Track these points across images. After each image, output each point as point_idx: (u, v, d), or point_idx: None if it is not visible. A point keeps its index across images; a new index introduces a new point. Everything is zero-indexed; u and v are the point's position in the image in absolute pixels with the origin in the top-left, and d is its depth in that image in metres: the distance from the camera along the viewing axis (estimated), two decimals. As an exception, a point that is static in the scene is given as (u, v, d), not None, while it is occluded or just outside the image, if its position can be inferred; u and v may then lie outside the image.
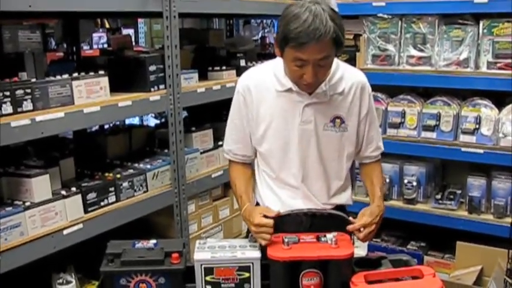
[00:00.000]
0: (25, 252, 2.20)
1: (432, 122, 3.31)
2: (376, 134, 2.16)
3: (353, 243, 1.90)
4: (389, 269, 1.83)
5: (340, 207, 2.13)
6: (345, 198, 2.17)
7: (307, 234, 1.85)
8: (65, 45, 4.06)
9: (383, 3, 3.37)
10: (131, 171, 2.79)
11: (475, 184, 3.26)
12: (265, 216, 1.86)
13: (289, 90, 1.97)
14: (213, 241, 1.89)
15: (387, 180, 3.47)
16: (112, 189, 2.62)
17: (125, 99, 2.59)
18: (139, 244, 1.84)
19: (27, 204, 2.26)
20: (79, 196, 2.46)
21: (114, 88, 2.62)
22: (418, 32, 3.35)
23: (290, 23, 1.77)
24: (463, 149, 3.19)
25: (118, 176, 2.69)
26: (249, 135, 2.09)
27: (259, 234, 1.84)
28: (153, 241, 1.86)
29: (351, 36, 3.62)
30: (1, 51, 2.27)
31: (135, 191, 2.74)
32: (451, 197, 3.37)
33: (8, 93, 2.10)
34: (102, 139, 3.12)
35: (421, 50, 3.34)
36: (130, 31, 6.40)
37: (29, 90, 2.18)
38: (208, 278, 1.77)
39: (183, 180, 2.97)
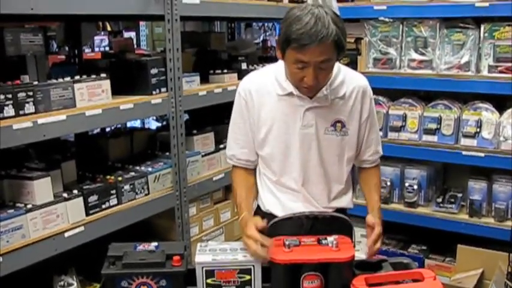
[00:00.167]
0: (27, 255, 2.20)
1: (433, 126, 3.32)
2: (375, 138, 2.16)
3: (354, 246, 1.90)
4: (390, 272, 1.83)
5: (340, 210, 2.13)
6: (346, 201, 2.17)
7: (308, 237, 1.85)
8: (66, 48, 4.06)
9: (384, 7, 3.38)
10: (133, 174, 2.79)
11: (476, 187, 3.27)
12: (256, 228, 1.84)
13: (290, 94, 1.97)
14: (214, 244, 1.90)
15: (388, 183, 3.48)
16: (113, 192, 2.62)
17: (126, 102, 2.59)
18: (141, 247, 1.84)
19: (29, 206, 2.25)
20: (80, 199, 2.46)
21: (116, 91, 2.62)
22: (419, 35, 3.36)
23: (292, 25, 1.77)
24: (464, 153, 3.20)
25: (119, 178, 2.69)
26: (253, 140, 2.09)
27: (247, 245, 1.82)
28: (155, 244, 1.85)
29: (352, 40, 3.63)
30: (3, 54, 2.27)
31: (136, 193, 2.74)
32: (452, 200, 3.38)
33: (10, 96, 2.10)
34: (104, 142, 3.12)
35: (422, 54, 3.35)
36: (132, 34, 6.40)
37: (31, 93, 2.18)
38: (209, 281, 1.78)
39: (185, 183, 2.97)
